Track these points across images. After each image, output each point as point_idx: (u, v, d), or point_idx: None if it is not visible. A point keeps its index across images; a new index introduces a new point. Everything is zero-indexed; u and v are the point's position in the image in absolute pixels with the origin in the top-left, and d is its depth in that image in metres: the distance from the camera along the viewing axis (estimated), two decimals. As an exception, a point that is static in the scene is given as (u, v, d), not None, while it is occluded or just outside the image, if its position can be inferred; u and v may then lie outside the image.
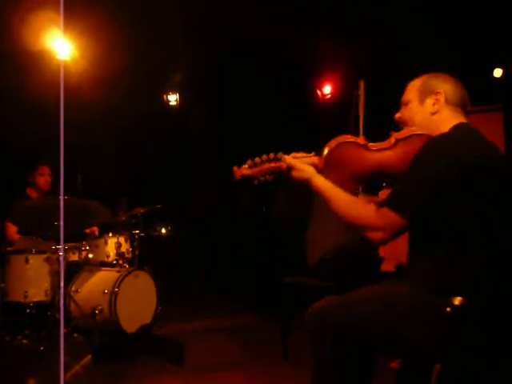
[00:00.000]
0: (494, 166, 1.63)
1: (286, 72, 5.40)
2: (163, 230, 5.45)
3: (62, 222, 3.67)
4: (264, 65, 5.36)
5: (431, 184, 1.56)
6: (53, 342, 3.53)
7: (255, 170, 1.82)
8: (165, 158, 6.13)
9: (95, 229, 4.58)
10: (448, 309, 1.54)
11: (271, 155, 1.81)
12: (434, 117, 1.76)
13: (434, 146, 1.62)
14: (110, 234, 4.33)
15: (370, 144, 1.77)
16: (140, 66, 5.13)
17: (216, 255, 6.16)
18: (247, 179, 1.83)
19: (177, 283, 5.73)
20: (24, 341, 3.75)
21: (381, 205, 1.62)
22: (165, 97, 6.28)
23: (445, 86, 1.76)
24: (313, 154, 1.81)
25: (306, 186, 1.75)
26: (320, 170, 1.75)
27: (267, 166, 1.80)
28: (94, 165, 5.02)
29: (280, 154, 1.81)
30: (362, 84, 2.29)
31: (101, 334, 3.81)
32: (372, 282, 1.91)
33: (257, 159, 1.83)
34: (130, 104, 5.21)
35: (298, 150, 1.85)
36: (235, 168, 1.85)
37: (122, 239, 4.34)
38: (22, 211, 3.88)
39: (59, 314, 3.71)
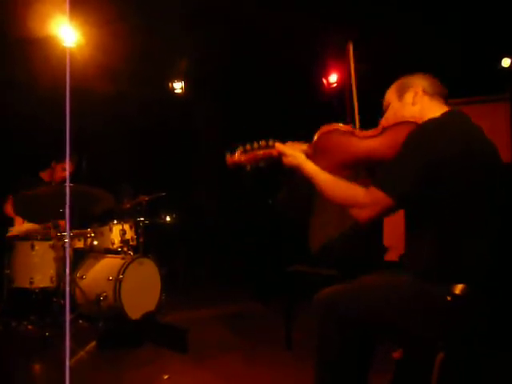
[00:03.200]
0: (485, 153, 1.64)
1: (291, 61, 5.36)
2: (168, 218, 5.46)
3: (67, 209, 3.68)
4: (269, 53, 5.32)
5: (422, 167, 1.57)
6: (58, 328, 3.56)
7: (247, 156, 1.88)
8: (170, 146, 6.12)
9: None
10: (448, 297, 1.55)
11: (262, 142, 1.88)
12: (416, 107, 1.81)
13: (427, 129, 1.64)
14: (115, 222, 4.35)
15: (358, 131, 1.80)
16: (146, 53, 5.10)
17: (220, 243, 6.18)
18: (240, 166, 1.89)
19: (181, 271, 5.76)
20: (29, 326, 3.78)
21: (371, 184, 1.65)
22: (170, 84, 6.25)
23: (420, 80, 1.83)
24: (304, 142, 1.87)
25: (296, 172, 1.81)
26: (310, 157, 1.81)
27: (259, 152, 1.87)
28: (99, 152, 5.02)
29: (271, 142, 1.87)
30: (350, 47, 2.27)
31: (105, 321, 3.84)
32: (375, 271, 1.93)
33: (248, 146, 1.89)
34: (135, 91, 5.20)
35: (300, 139, 1.90)
36: (228, 155, 1.91)
37: (126, 226, 4.35)
38: (25, 203, 3.88)
39: (64, 300, 3.74)
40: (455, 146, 1.59)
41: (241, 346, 3.54)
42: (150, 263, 4.14)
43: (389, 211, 1.63)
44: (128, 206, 4.48)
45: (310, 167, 1.78)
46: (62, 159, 4.46)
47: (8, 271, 3.94)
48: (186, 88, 6.23)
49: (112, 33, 4.58)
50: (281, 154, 1.84)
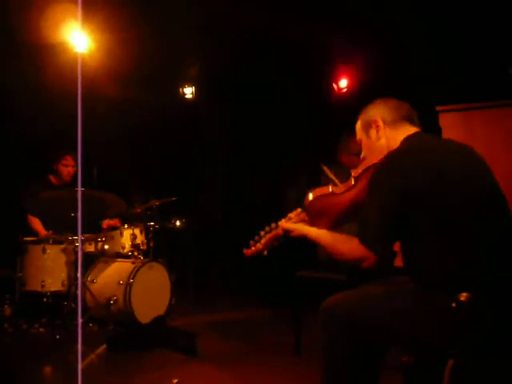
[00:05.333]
0: (445, 167, 1.64)
1: (301, 67, 5.37)
2: (178, 223, 5.48)
3: (79, 214, 3.71)
4: (280, 58, 5.33)
5: (389, 205, 1.64)
6: (68, 331, 3.59)
7: (260, 244, 2.10)
8: (180, 151, 6.15)
9: (115, 221, 4.63)
10: (453, 304, 1.54)
11: (267, 228, 2.10)
12: (382, 141, 1.88)
13: (381, 168, 1.71)
14: (126, 226, 4.37)
15: (336, 188, 1.99)
16: (156, 59, 5.14)
17: (230, 248, 6.18)
18: (257, 254, 2.12)
19: (191, 275, 5.77)
20: (41, 329, 3.82)
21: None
22: (181, 90, 6.29)
23: (377, 112, 1.89)
24: (299, 209, 2.08)
25: (305, 239, 1.97)
26: (308, 222, 2.00)
27: (268, 237, 2.09)
28: (110, 157, 5.06)
29: (273, 224, 2.10)
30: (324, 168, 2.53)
31: (115, 325, 3.87)
32: (384, 276, 1.92)
33: (256, 237, 2.12)
34: (146, 96, 5.23)
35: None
36: (245, 250, 2.14)
37: (137, 231, 4.38)
38: (38, 203, 3.93)
39: (75, 303, 3.77)
40: (413, 169, 1.62)
41: (250, 351, 3.54)
42: (160, 268, 4.16)
43: (385, 257, 1.70)
44: (138, 210, 4.50)
45: (313, 233, 1.92)
46: (58, 157, 4.49)
47: (20, 274, 3.99)
48: (197, 93, 6.26)
49: (123, 39, 4.62)
50: (286, 231, 2.01)
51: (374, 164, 1.85)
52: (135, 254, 4.28)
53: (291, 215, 2.08)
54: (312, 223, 1.98)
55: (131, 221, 4.44)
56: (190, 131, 6.18)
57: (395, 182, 1.63)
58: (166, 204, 4.55)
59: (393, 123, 1.86)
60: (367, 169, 1.89)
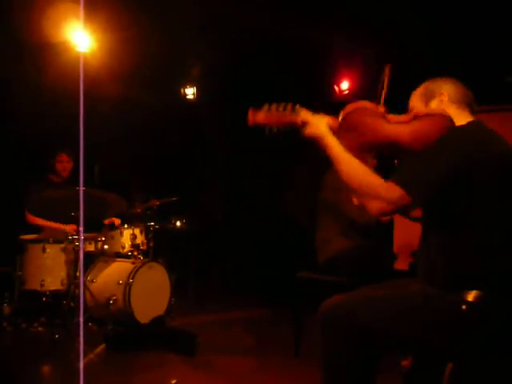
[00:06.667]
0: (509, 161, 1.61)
1: (303, 68, 5.36)
2: (178, 223, 5.47)
3: (80, 213, 3.71)
4: (282, 59, 5.33)
5: (447, 171, 1.55)
6: (67, 330, 3.58)
7: (270, 118, 1.78)
8: (181, 151, 6.15)
9: (115, 220, 4.64)
10: (463, 307, 1.52)
11: (289, 106, 1.79)
12: None
13: (455, 134, 1.62)
14: (126, 226, 4.37)
15: (389, 115, 1.73)
16: (158, 59, 5.14)
17: (230, 248, 6.18)
18: (260, 126, 1.79)
19: (190, 276, 5.77)
20: (40, 328, 3.82)
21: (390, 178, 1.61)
22: (182, 90, 6.29)
23: (446, 86, 1.79)
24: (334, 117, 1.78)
25: (317, 143, 1.74)
26: (334, 132, 1.73)
27: (282, 116, 1.77)
28: (112, 156, 5.06)
29: (298, 107, 1.78)
30: (387, 69, 2.17)
31: (114, 324, 3.86)
32: (385, 279, 1.92)
33: (273, 107, 1.79)
34: (148, 96, 5.23)
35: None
36: (251, 110, 1.81)
37: (137, 231, 4.38)
38: (39, 202, 3.93)
39: (75, 303, 3.77)
40: (482, 151, 1.57)
41: (249, 352, 3.53)
42: (160, 268, 4.15)
43: (401, 209, 1.62)
44: (139, 210, 4.50)
45: (333, 142, 1.70)
46: (53, 154, 4.51)
47: (20, 273, 3.99)
48: (198, 94, 6.26)
49: (125, 38, 4.62)
50: (304, 123, 1.76)
51: (440, 116, 1.66)
52: (135, 253, 4.27)
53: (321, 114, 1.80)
54: (337, 134, 1.71)
55: (131, 220, 4.44)
56: (191, 131, 6.18)
57: (457, 155, 1.55)
58: (167, 204, 4.56)
59: (459, 103, 1.76)
60: (433, 115, 1.68)
